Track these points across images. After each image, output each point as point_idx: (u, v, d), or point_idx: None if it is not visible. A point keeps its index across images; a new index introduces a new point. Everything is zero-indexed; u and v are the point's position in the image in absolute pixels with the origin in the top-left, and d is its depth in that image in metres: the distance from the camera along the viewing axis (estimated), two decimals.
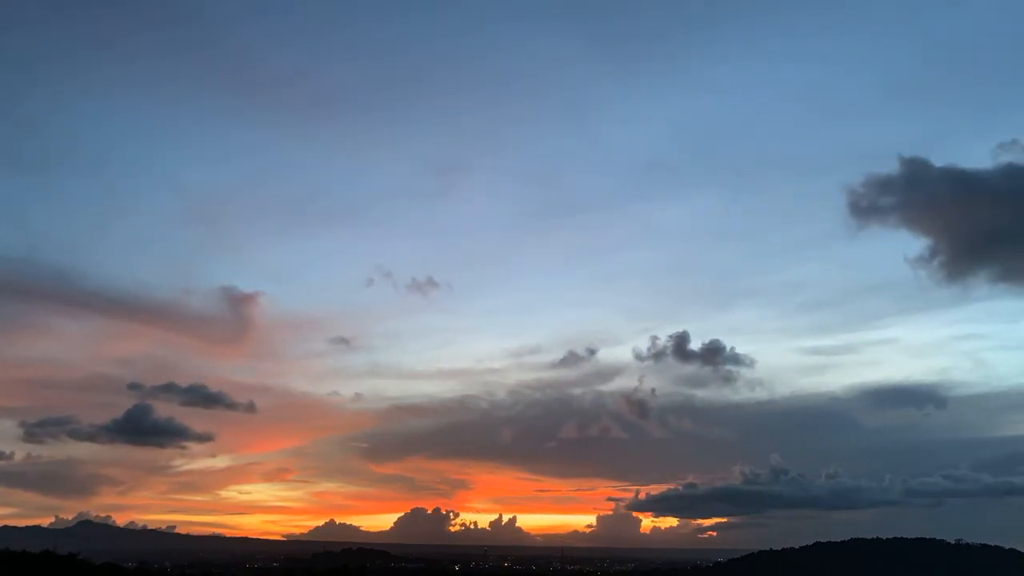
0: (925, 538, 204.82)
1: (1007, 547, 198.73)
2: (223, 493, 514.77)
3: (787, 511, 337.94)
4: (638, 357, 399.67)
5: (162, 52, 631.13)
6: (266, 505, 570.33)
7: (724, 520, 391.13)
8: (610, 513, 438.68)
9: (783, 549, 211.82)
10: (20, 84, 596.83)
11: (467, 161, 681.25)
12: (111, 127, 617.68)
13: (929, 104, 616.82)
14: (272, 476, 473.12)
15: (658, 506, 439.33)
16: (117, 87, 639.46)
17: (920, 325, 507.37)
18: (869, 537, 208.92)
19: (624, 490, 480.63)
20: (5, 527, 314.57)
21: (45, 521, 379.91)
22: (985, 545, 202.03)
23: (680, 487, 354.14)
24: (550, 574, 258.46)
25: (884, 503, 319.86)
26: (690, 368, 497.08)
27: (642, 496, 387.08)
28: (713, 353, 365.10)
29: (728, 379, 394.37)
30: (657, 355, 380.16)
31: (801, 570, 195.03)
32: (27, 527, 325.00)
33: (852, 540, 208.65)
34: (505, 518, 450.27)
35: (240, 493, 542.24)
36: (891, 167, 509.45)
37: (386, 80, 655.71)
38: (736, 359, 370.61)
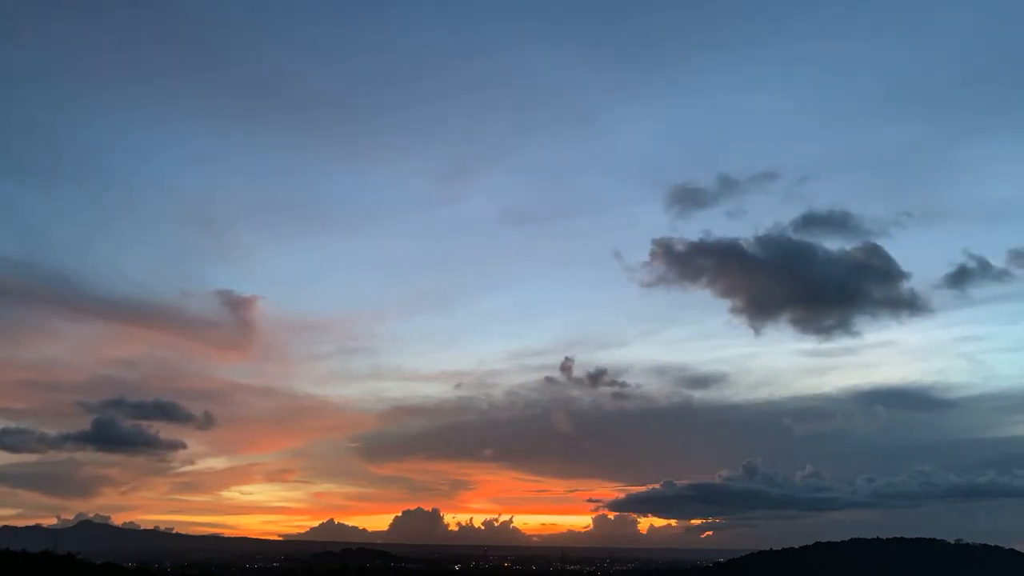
0: (925, 538, 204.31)
1: (1007, 547, 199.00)
2: (224, 494, 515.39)
3: (787, 511, 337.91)
4: (637, 358, 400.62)
5: (162, 56, 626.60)
6: (266, 505, 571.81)
7: (722, 520, 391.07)
8: (608, 513, 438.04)
9: (783, 549, 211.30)
10: (19, 89, 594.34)
11: (468, 164, 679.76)
12: (110, 131, 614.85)
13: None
14: (273, 477, 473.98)
15: (656, 506, 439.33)
16: (116, 91, 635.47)
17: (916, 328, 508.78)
18: (869, 537, 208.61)
19: (622, 491, 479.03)
20: (6, 527, 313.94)
21: (46, 521, 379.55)
22: (985, 545, 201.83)
23: (677, 488, 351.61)
24: (550, 574, 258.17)
25: (883, 503, 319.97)
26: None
27: (640, 496, 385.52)
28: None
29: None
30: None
31: (802, 570, 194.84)
32: (27, 527, 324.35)
33: (852, 540, 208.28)
34: (503, 518, 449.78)
35: (241, 494, 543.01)
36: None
37: (388, 84, 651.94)
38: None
